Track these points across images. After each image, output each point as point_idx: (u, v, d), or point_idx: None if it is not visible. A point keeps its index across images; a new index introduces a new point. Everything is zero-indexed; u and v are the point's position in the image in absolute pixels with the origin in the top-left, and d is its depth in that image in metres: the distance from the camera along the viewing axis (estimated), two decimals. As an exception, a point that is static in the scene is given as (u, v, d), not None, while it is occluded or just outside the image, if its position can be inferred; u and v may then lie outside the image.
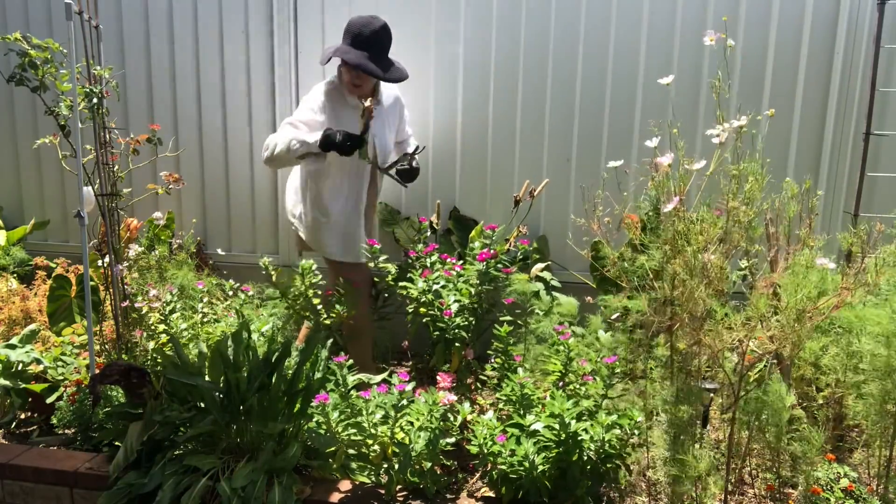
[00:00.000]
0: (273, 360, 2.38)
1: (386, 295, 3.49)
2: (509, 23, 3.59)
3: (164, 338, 2.89)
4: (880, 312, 2.18)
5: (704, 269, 2.05)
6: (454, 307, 2.69)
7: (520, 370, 2.50)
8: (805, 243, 2.28)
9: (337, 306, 2.91)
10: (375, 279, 3.48)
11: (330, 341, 2.77)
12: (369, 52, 2.89)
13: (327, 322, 2.93)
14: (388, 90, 3.17)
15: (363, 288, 3.19)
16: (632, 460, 2.33)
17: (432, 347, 2.81)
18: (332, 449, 2.41)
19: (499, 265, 2.89)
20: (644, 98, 3.54)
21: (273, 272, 3.01)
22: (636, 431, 2.26)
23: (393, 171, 3.07)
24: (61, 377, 2.87)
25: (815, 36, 3.38)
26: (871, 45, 3.17)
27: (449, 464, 2.47)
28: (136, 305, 2.88)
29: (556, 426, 2.18)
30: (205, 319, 2.96)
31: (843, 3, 3.32)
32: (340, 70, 3.03)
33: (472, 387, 2.81)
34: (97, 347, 3.00)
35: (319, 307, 2.97)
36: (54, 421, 2.73)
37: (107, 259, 2.90)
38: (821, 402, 2.53)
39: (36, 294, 3.50)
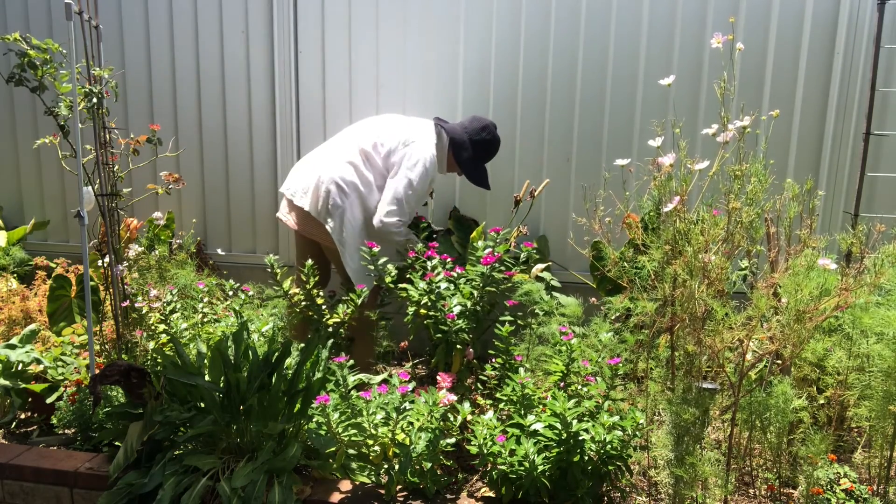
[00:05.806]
0: (273, 360, 2.37)
1: (387, 293, 3.48)
2: (509, 23, 3.59)
3: (164, 338, 2.88)
4: (891, 314, 2.17)
5: (705, 269, 2.05)
6: (456, 309, 2.68)
7: (521, 370, 2.50)
8: (806, 243, 2.27)
9: (341, 307, 2.91)
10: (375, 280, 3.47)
11: (330, 341, 2.77)
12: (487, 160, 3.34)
13: (330, 323, 2.93)
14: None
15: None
16: (632, 461, 2.32)
17: (433, 348, 2.81)
18: (333, 449, 2.40)
19: (503, 267, 2.89)
20: (644, 97, 3.54)
21: (278, 271, 3.01)
22: (637, 433, 2.25)
23: None
24: (61, 377, 2.86)
25: (815, 36, 3.38)
26: (871, 45, 3.17)
27: (449, 464, 2.47)
28: (137, 305, 2.87)
29: (558, 425, 2.17)
30: (205, 319, 2.95)
31: (843, 3, 3.32)
32: (448, 155, 3.29)
33: (472, 387, 2.81)
34: (97, 347, 3.00)
35: (324, 308, 2.97)
36: (54, 421, 2.73)
37: (107, 259, 2.90)
38: (822, 402, 2.52)
39: (36, 294, 3.50)
